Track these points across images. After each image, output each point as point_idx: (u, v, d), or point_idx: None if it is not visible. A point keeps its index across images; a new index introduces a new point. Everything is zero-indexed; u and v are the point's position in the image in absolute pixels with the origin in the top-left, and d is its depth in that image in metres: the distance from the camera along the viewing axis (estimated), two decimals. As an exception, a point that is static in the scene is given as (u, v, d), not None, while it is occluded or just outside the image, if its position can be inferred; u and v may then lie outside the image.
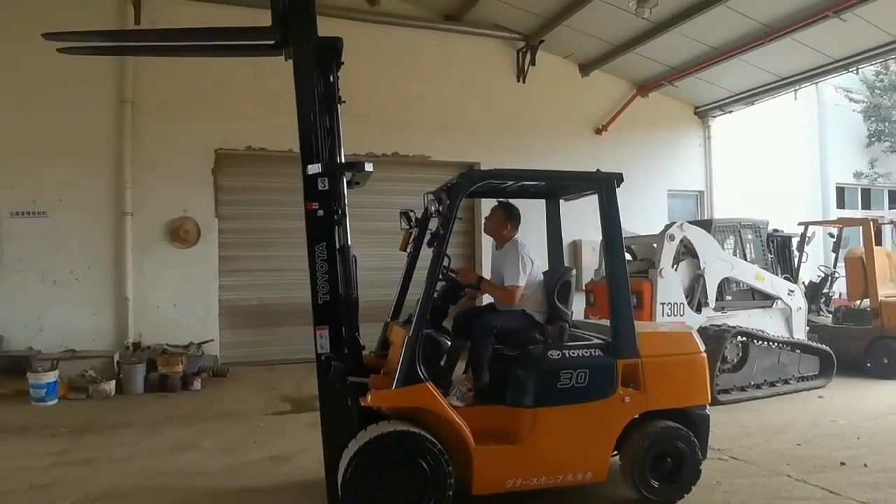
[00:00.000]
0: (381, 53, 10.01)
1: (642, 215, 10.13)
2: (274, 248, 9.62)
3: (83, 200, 8.69)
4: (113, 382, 7.87)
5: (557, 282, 4.68)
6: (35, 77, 8.52)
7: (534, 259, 4.66)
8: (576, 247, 10.91)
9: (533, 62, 10.96)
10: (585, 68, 11.40)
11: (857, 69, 10.09)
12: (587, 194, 4.99)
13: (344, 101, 4.32)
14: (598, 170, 4.67)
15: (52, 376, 7.39)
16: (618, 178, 4.55)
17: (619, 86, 11.71)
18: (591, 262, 10.28)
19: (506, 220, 4.80)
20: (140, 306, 8.86)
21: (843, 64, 9.85)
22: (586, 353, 4.37)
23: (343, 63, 4.31)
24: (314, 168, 4.15)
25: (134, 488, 4.84)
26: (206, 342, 8.94)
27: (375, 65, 9.76)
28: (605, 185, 4.51)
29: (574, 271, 4.81)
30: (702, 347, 4.66)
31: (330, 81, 4.28)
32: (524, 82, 11.05)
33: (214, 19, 9.24)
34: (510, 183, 5.00)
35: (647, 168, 11.35)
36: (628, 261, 7.19)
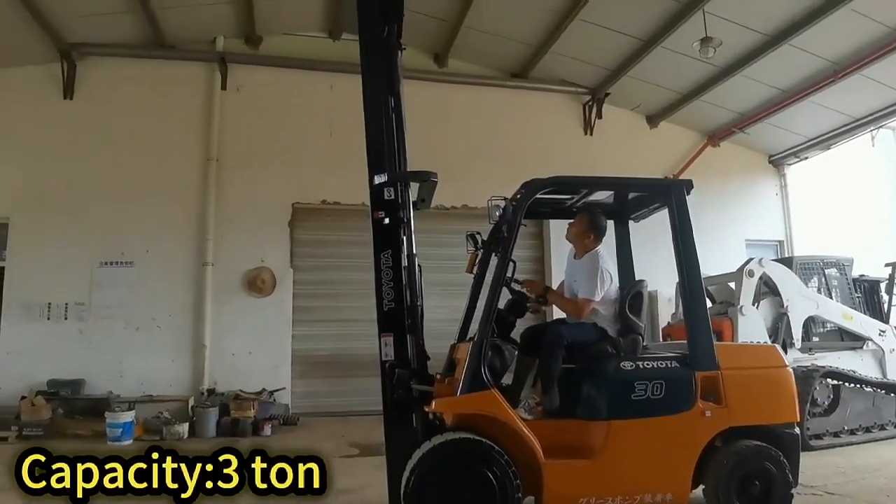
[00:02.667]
0: (449, 110, 10.37)
1: (721, 265, 9.76)
2: (345, 299, 9.75)
3: (168, 251, 9.16)
4: (186, 425, 7.99)
5: (629, 293, 4.52)
6: (130, 138, 9.28)
7: (613, 276, 4.53)
8: (651, 298, 10.57)
9: (599, 115, 11.06)
10: (653, 119, 11.40)
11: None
12: (656, 209, 4.89)
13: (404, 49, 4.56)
14: (665, 177, 4.58)
15: (128, 416, 7.60)
16: (687, 186, 4.45)
17: (688, 136, 11.61)
18: (667, 316, 9.94)
19: (590, 228, 4.66)
20: (216, 353, 9.09)
21: (920, 99, 9.45)
22: (662, 364, 4.17)
23: (404, 48, 4.50)
24: (380, 178, 4.27)
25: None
26: (278, 390, 9.03)
27: (444, 121, 10.10)
28: (674, 193, 4.41)
29: (646, 283, 4.64)
30: (787, 362, 4.37)
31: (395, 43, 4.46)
32: (591, 135, 11.12)
33: (292, 82, 9.98)
34: (576, 200, 4.97)
35: (722, 218, 11.04)
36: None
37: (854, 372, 7.28)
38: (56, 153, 9.08)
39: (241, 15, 9.40)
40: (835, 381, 7.11)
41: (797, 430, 4.28)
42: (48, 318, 8.69)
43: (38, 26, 8.27)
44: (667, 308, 10.03)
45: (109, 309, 8.87)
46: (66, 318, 8.75)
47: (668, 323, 8.48)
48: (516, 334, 4.66)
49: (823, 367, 7.09)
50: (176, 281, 9.17)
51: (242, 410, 8.28)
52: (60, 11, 8.30)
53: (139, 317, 8.97)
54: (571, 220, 4.86)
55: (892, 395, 7.39)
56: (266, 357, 9.30)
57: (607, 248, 4.82)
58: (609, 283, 4.47)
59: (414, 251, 4.32)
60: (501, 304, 4.42)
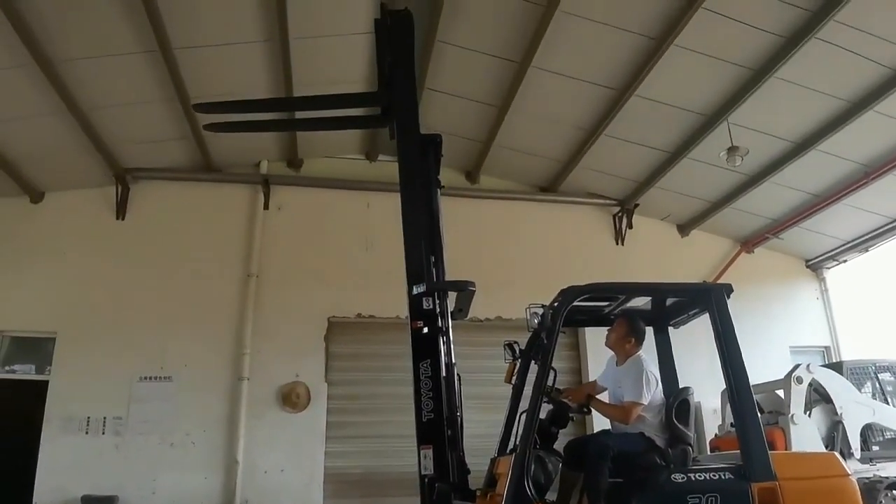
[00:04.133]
0: (481, 224, 10.57)
1: (765, 374, 9.44)
2: (380, 414, 9.57)
3: (205, 366, 9.19)
4: (217, 548, 7.73)
5: (675, 401, 4.40)
6: (175, 256, 9.64)
7: (658, 379, 4.44)
8: (697, 411, 10.17)
9: (630, 225, 11.17)
10: (684, 228, 11.47)
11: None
12: (695, 314, 4.85)
13: (443, 186, 4.77)
14: (704, 281, 4.57)
15: (160, 537, 7.39)
16: (727, 289, 4.43)
17: (721, 243, 11.60)
18: (713, 427, 9.53)
19: (630, 333, 4.66)
20: (249, 470, 8.88)
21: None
22: (714, 476, 3.97)
23: (442, 156, 4.72)
24: (419, 288, 4.35)
25: None
26: (310, 510, 8.73)
27: (476, 235, 10.27)
28: (714, 297, 4.38)
29: (692, 390, 4.51)
30: (849, 471, 4.12)
31: (430, 167, 4.70)
32: (622, 245, 11.19)
33: (331, 201, 10.38)
34: (613, 307, 4.96)
35: (763, 325, 10.75)
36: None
37: (923, 484, 6.80)
38: (105, 271, 9.42)
39: (284, 141, 9.98)
40: (902, 494, 6.64)
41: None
42: (86, 433, 8.66)
43: (96, 151, 8.83)
44: (712, 419, 9.61)
45: (146, 423, 8.82)
46: (103, 433, 8.71)
47: (716, 435, 8.11)
48: (559, 446, 4.52)
49: (888, 477, 6.65)
50: (211, 395, 9.14)
51: (274, 532, 7.99)
52: (118, 138, 8.88)
53: (174, 432, 8.89)
54: (609, 328, 4.83)
55: (969, 509, 6.84)
56: (298, 475, 9.04)
57: (649, 354, 4.75)
58: (655, 387, 4.38)
59: (453, 360, 4.31)
60: (542, 415, 4.32)
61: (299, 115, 6.73)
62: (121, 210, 9.71)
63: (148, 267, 9.54)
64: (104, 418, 8.80)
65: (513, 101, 8.65)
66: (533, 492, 3.80)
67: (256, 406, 9.21)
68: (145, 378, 9.04)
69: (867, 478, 6.67)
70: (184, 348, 9.23)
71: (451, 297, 4.69)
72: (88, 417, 8.75)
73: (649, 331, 5.10)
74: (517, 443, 4.06)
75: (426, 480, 3.99)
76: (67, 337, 9.11)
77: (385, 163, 10.70)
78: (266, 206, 10.17)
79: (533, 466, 3.94)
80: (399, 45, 5.00)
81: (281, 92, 8.28)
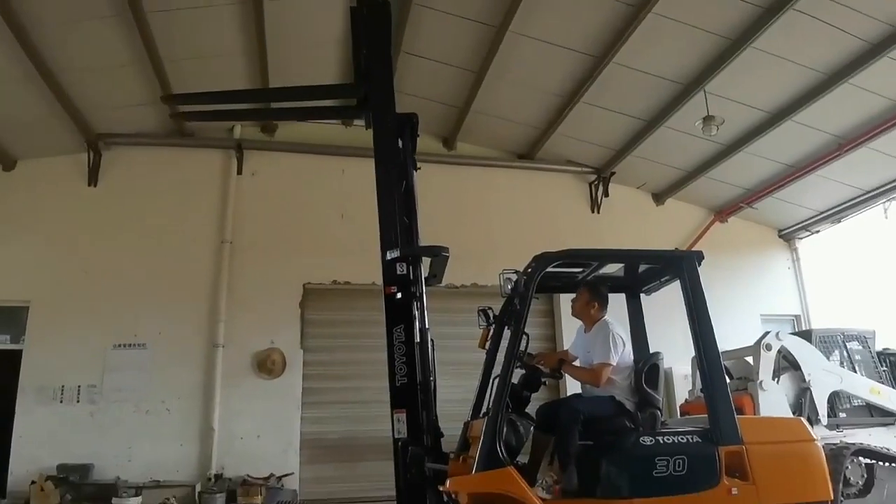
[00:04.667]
0: (458, 191, 10.53)
1: (736, 341, 9.61)
2: (356, 380, 9.59)
3: (180, 333, 9.13)
4: (193, 512, 7.78)
5: (644, 365, 4.46)
6: (147, 223, 9.50)
7: (626, 340, 4.50)
8: (666, 376, 10.34)
9: (606, 193, 11.21)
10: (659, 197, 11.54)
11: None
12: (667, 281, 4.89)
13: (419, 168, 4.62)
14: (676, 248, 4.60)
15: (135, 503, 7.40)
16: (698, 256, 4.47)
17: (695, 212, 11.70)
18: (683, 393, 9.71)
19: (592, 299, 4.70)
20: (225, 437, 8.89)
21: (930, 170, 9.52)
22: (682, 439, 4.04)
23: (419, 135, 4.64)
24: (393, 253, 4.33)
25: None
26: (287, 475, 8.77)
27: (453, 202, 10.23)
28: (686, 264, 4.42)
29: (662, 355, 4.57)
30: (814, 436, 4.22)
31: (406, 149, 4.62)
32: (598, 213, 11.23)
33: (305, 166, 10.25)
34: (587, 273, 4.98)
35: (734, 293, 10.91)
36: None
37: (888, 449, 6.98)
38: (78, 239, 9.28)
39: (257, 106, 9.74)
40: (868, 460, 6.82)
41: (831, 509, 4.09)
42: (61, 402, 8.61)
43: (68, 117, 8.62)
44: (683, 385, 9.79)
45: (121, 392, 8.77)
46: (78, 401, 8.67)
47: (686, 400, 8.26)
48: (531, 410, 4.57)
49: (854, 444, 6.82)
50: (187, 363, 9.09)
51: (249, 497, 8.08)
52: (90, 104, 8.69)
53: (149, 399, 8.85)
54: (573, 298, 4.87)
55: (933, 473, 7.05)
56: (274, 441, 9.08)
57: (620, 322, 4.79)
58: (622, 348, 4.44)
59: (427, 326, 4.31)
60: (515, 380, 4.35)
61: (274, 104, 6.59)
62: (93, 177, 9.53)
63: (121, 234, 9.40)
64: (78, 387, 8.74)
65: (490, 66, 8.55)
66: (505, 454, 3.84)
67: (232, 373, 9.19)
68: (119, 346, 8.96)
69: (833, 444, 6.80)
70: (158, 316, 9.14)
71: (426, 264, 4.68)
72: (63, 386, 8.68)
73: (622, 297, 5.17)
74: (490, 407, 4.09)
75: (400, 444, 4.03)
76: (41, 306, 8.99)
77: (360, 128, 10.36)
78: (240, 172, 10.02)
79: (505, 430, 3.97)
80: (375, 34, 4.84)
81: (254, 54, 8.12)
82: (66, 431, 8.51)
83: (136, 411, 8.79)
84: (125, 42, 7.55)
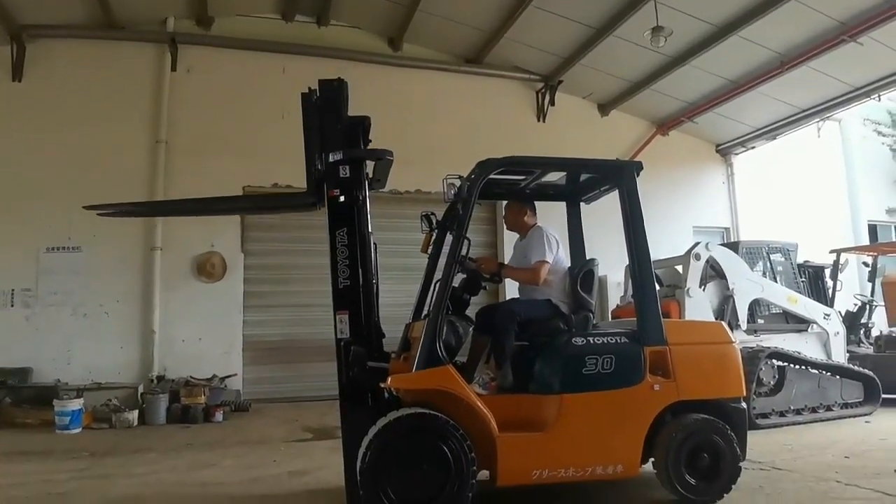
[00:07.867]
0: (404, 95, 10.33)
1: (669, 251, 10.00)
2: (298, 284, 9.67)
3: (115, 236, 8.87)
4: (136, 412, 7.85)
5: (580, 271, 4.62)
6: (78, 121, 9.00)
7: (559, 241, 4.63)
8: (601, 283, 10.77)
9: (552, 102, 11.19)
10: (605, 108, 11.59)
11: (879, 96, 10.01)
12: (606, 190, 5.00)
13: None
14: (617, 158, 4.68)
15: (76, 404, 7.42)
16: (637, 167, 4.55)
17: (638, 125, 11.85)
18: (616, 299, 10.14)
19: (523, 207, 4.83)
20: (166, 340, 8.91)
21: (864, 91, 9.76)
22: (611, 340, 4.25)
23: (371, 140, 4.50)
24: (336, 155, 4.25)
25: (152, 494, 4.79)
26: (230, 377, 8.91)
27: (398, 106, 10.03)
28: (625, 174, 4.51)
29: (597, 261, 4.74)
30: (733, 339, 4.52)
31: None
32: (544, 122, 11.26)
33: (244, 64, 9.78)
34: (529, 181, 5.03)
35: (671, 205, 11.32)
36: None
37: (799, 353, 7.50)
38: (3, 137, 8.77)
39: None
40: (780, 362, 7.33)
41: (744, 404, 4.41)
42: (-6, 306, 8.39)
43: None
44: (616, 292, 10.25)
45: (56, 295, 8.62)
46: (12, 305, 8.51)
47: (617, 305, 8.65)
48: (471, 313, 4.70)
49: (769, 347, 7.32)
50: (124, 266, 8.94)
51: (193, 397, 8.16)
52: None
53: (87, 303, 8.73)
54: (504, 214, 4.96)
55: (837, 376, 7.62)
56: (216, 343, 9.16)
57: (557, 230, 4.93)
58: (557, 247, 4.59)
59: (370, 229, 4.31)
60: (456, 283, 4.45)
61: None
62: (17, 71, 8.92)
63: (49, 132, 8.91)
64: (12, 290, 8.56)
65: (439, -37, 8.22)
66: (444, 353, 3.97)
67: (171, 277, 9.10)
68: (52, 249, 8.71)
69: (750, 347, 7.27)
70: (92, 218, 8.50)
71: (370, 168, 4.63)
72: (-5, 290, 8.43)
73: (562, 207, 5.28)
74: (431, 309, 4.19)
75: (342, 343, 4.09)
76: (-34, 207, 8.55)
77: (302, 23, 10.11)
78: (174, 68, 9.52)
79: (445, 330, 4.09)
80: (330, 119, 4.36)
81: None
82: (2, 335, 8.37)
83: (74, 315, 8.67)
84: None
